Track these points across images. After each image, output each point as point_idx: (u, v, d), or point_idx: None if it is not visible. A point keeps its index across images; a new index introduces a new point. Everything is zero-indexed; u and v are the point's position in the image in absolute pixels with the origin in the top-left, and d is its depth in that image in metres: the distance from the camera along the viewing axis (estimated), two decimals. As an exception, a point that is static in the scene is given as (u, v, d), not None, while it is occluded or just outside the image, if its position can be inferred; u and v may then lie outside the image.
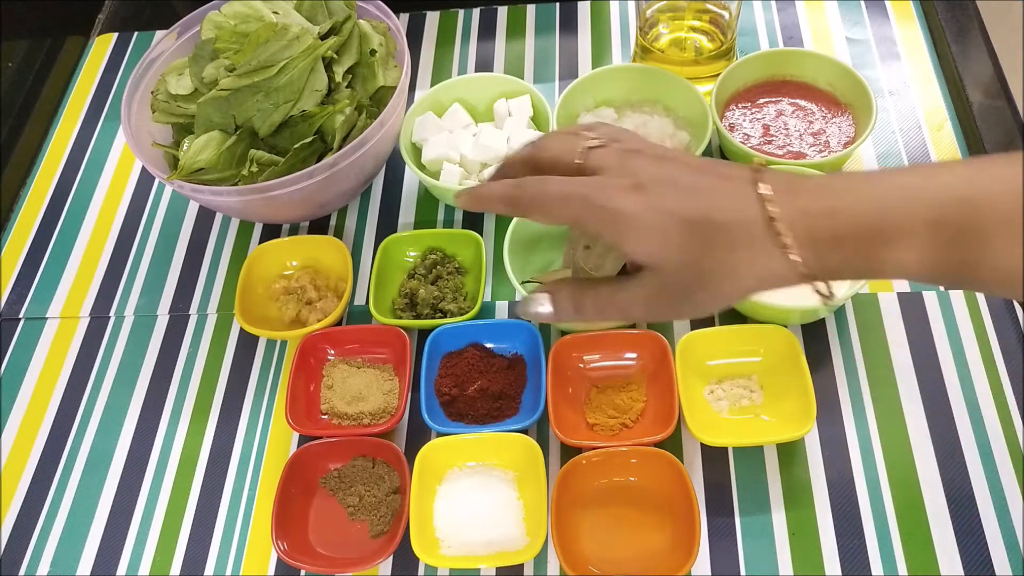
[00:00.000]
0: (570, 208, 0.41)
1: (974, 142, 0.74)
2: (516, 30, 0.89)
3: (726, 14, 0.76)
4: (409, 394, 0.64)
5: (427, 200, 0.78)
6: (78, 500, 0.64)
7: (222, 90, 0.65)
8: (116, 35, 0.96)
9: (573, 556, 0.55)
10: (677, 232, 0.38)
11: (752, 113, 0.74)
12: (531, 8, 0.90)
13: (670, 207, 0.39)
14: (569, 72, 0.84)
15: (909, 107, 0.78)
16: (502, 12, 0.90)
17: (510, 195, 0.43)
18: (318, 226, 0.77)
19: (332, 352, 0.68)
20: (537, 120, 0.76)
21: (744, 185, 0.39)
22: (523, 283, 0.64)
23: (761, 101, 0.75)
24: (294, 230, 0.77)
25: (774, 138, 0.72)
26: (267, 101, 0.65)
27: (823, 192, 0.39)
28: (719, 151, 0.77)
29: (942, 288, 0.63)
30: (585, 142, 0.42)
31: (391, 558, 0.59)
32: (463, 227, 0.75)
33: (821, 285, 0.39)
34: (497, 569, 0.58)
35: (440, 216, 0.76)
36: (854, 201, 0.38)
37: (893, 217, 0.37)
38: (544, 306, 0.45)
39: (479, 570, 0.58)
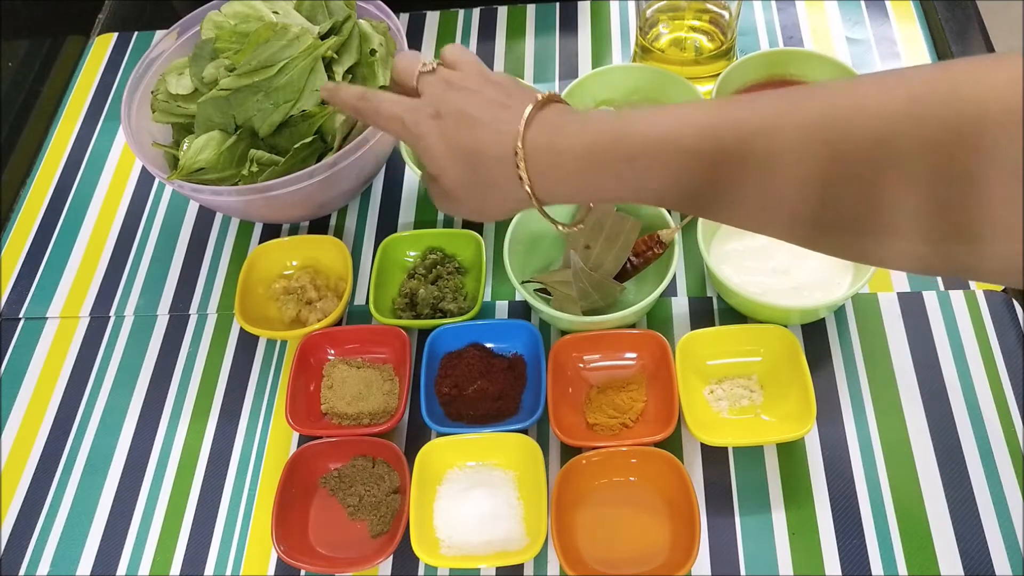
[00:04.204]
0: (392, 126, 0.50)
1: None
2: (516, 30, 0.89)
3: (726, 14, 0.76)
4: (409, 394, 0.64)
5: (427, 200, 0.78)
6: (78, 500, 0.65)
7: (222, 90, 0.65)
8: (116, 35, 0.96)
9: (573, 556, 0.55)
10: (453, 157, 0.47)
11: (752, 113, 0.74)
12: (531, 8, 0.90)
13: (452, 135, 0.46)
14: (569, 72, 0.84)
15: (909, 107, 0.77)
16: (502, 12, 0.90)
17: (356, 105, 0.52)
18: (318, 226, 0.77)
19: (332, 352, 0.68)
20: (537, 120, 0.76)
21: (516, 118, 0.44)
22: (523, 283, 0.64)
23: (761, 101, 0.75)
24: (294, 230, 0.77)
25: (774, 138, 0.72)
26: (267, 101, 0.65)
27: (563, 129, 0.44)
28: (719, 151, 0.76)
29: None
30: (419, 67, 0.50)
31: (391, 558, 0.59)
32: (463, 227, 0.75)
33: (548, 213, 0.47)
34: (497, 569, 0.58)
35: (440, 216, 0.76)
36: (576, 135, 0.43)
37: (599, 150, 0.43)
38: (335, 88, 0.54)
39: (479, 570, 0.58)
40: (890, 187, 0.35)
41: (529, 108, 0.44)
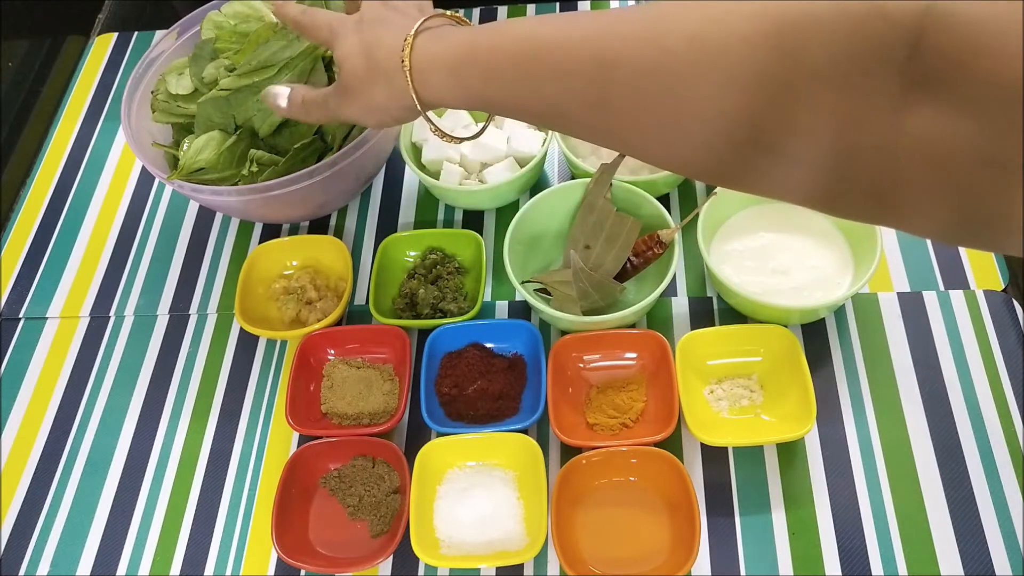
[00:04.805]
0: (322, 33, 0.54)
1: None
2: (516, 30, 0.89)
3: (726, 14, 0.76)
4: (409, 394, 0.64)
5: (427, 200, 0.78)
6: (78, 500, 0.65)
7: (222, 90, 0.65)
8: (116, 35, 0.96)
9: (573, 556, 0.55)
10: (359, 50, 0.50)
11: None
12: (531, 8, 0.90)
13: (364, 34, 0.51)
14: (569, 72, 0.84)
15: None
16: (502, 12, 0.90)
17: (297, 18, 0.56)
18: (318, 226, 0.77)
19: (332, 352, 0.68)
20: (537, 120, 0.76)
21: (412, 24, 0.48)
22: (523, 283, 0.64)
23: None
24: (294, 230, 0.77)
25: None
26: None
27: (446, 34, 0.47)
28: (719, 151, 0.76)
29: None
30: None
31: (391, 558, 0.59)
32: (463, 227, 0.75)
33: (431, 118, 0.51)
34: (497, 569, 0.58)
35: (440, 216, 0.76)
36: (453, 39, 0.47)
37: (464, 55, 0.46)
38: (280, 98, 0.56)
39: (479, 570, 0.58)
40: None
41: (427, 17, 0.49)
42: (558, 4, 0.90)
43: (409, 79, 0.48)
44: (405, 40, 0.47)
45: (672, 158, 0.41)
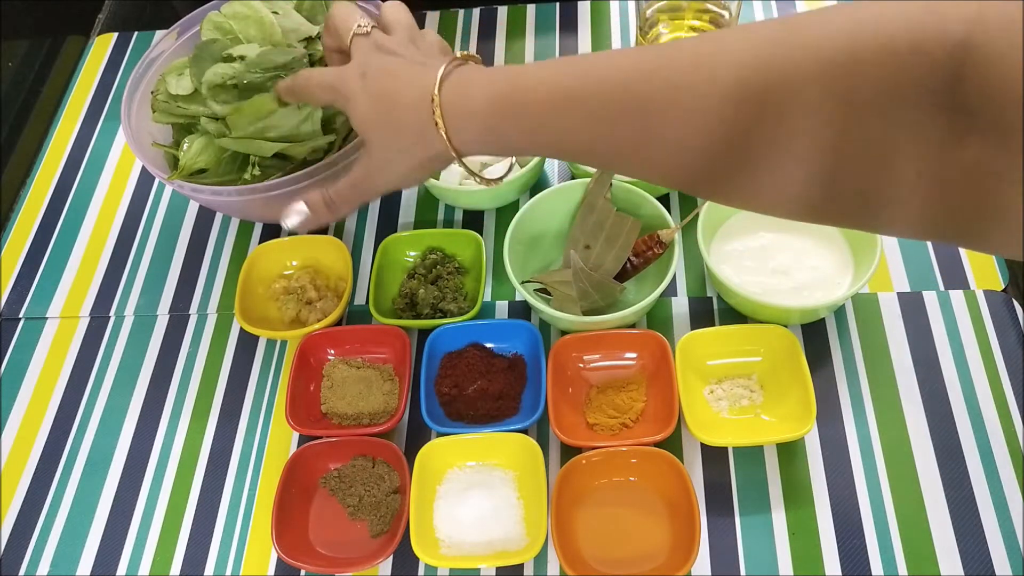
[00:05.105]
0: (325, 94, 0.52)
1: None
2: (516, 30, 0.89)
3: (726, 14, 0.76)
4: (409, 394, 0.64)
5: (427, 200, 0.78)
6: (78, 500, 0.65)
7: (221, 134, 0.65)
8: (116, 35, 0.96)
9: (573, 556, 0.55)
10: (376, 109, 0.48)
11: (752, 113, 0.74)
12: (531, 8, 0.90)
13: (374, 88, 0.48)
14: (569, 72, 0.84)
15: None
16: (502, 12, 0.90)
17: (291, 86, 0.56)
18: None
19: (332, 352, 0.68)
20: (537, 120, 0.76)
21: (434, 72, 0.46)
22: (523, 283, 0.64)
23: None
24: (294, 230, 0.77)
25: (774, 138, 0.72)
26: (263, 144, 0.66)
27: (473, 81, 0.46)
28: (719, 151, 0.77)
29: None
30: (355, 27, 0.52)
31: (391, 558, 0.59)
32: (463, 227, 0.75)
33: (470, 163, 0.49)
34: (497, 569, 0.58)
35: (440, 216, 0.76)
36: (484, 85, 0.45)
37: (501, 101, 0.44)
38: (300, 210, 0.54)
39: (479, 570, 0.58)
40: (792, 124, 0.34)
41: (444, 66, 0.47)
42: (558, 4, 0.90)
43: (447, 140, 0.46)
44: (433, 100, 0.46)
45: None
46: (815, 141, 0.35)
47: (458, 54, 0.49)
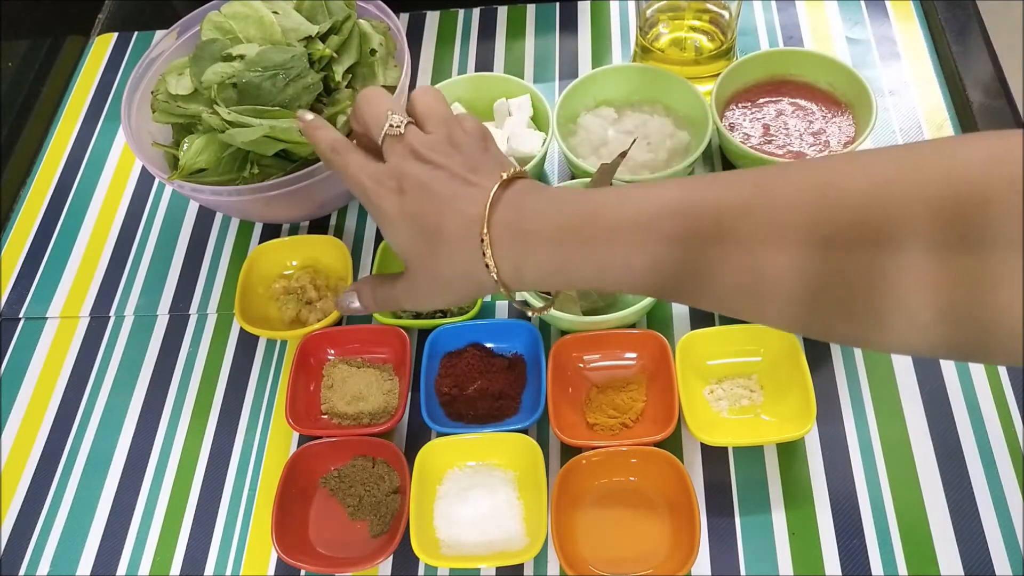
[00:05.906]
0: (356, 191, 0.48)
1: (974, 142, 0.74)
2: (516, 30, 0.89)
3: (726, 14, 0.76)
4: (409, 394, 0.64)
5: (427, 200, 0.77)
6: (78, 500, 0.65)
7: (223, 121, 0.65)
8: (116, 35, 0.96)
9: (573, 556, 0.55)
10: (415, 236, 0.45)
11: (752, 113, 0.74)
12: (531, 8, 0.90)
13: (413, 211, 0.44)
14: (569, 72, 0.84)
15: (909, 107, 0.78)
16: (502, 12, 0.90)
17: (326, 155, 0.50)
18: (318, 226, 0.77)
19: (332, 352, 0.68)
20: (537, 120, 0.76)
21: (481, 198, 0.43)
22: (523, 283, 0.64)
23: (761, 101, 0.75)
24: (294, 230, 0.77)
25: (774, 138, 0.72)
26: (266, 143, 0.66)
27: (529, 209, 0.42)
28: (719, 151, 0.77)
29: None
30: (387, 125, 0.47)
31: (391, 558, 0.59)
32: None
33: (526, 297, 0.46)
34: (497, 569, 0.58)
35: (440, 216, 0.76)
36: (543, 216, 0.42)
37: (566, 232, 0.41)
38: (354, 302, 0.53)
39: (479, 570, 0.58)
40: (884, 262, 0.33)
41: (494, 189, 0.43)
42: (558, 4, 0.90)
43: (496, 279, 0.43)
44: (483, 238, 0.42)
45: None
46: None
47: (503, 172, 0.44)
